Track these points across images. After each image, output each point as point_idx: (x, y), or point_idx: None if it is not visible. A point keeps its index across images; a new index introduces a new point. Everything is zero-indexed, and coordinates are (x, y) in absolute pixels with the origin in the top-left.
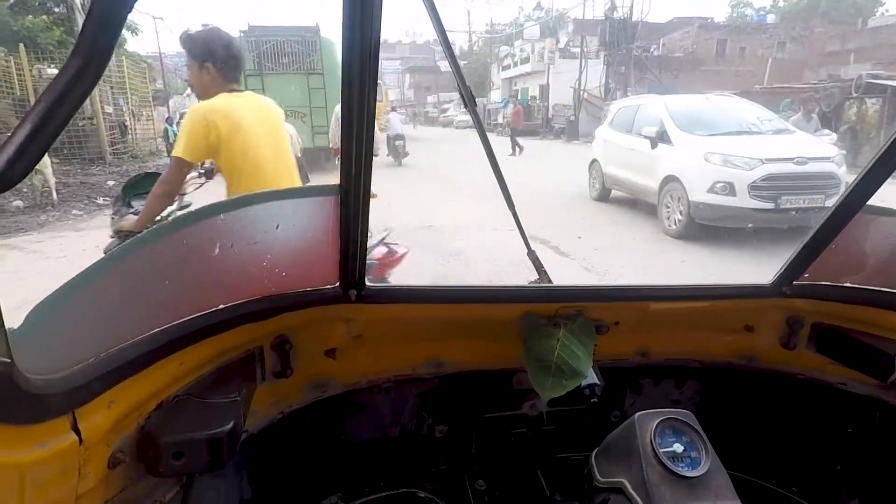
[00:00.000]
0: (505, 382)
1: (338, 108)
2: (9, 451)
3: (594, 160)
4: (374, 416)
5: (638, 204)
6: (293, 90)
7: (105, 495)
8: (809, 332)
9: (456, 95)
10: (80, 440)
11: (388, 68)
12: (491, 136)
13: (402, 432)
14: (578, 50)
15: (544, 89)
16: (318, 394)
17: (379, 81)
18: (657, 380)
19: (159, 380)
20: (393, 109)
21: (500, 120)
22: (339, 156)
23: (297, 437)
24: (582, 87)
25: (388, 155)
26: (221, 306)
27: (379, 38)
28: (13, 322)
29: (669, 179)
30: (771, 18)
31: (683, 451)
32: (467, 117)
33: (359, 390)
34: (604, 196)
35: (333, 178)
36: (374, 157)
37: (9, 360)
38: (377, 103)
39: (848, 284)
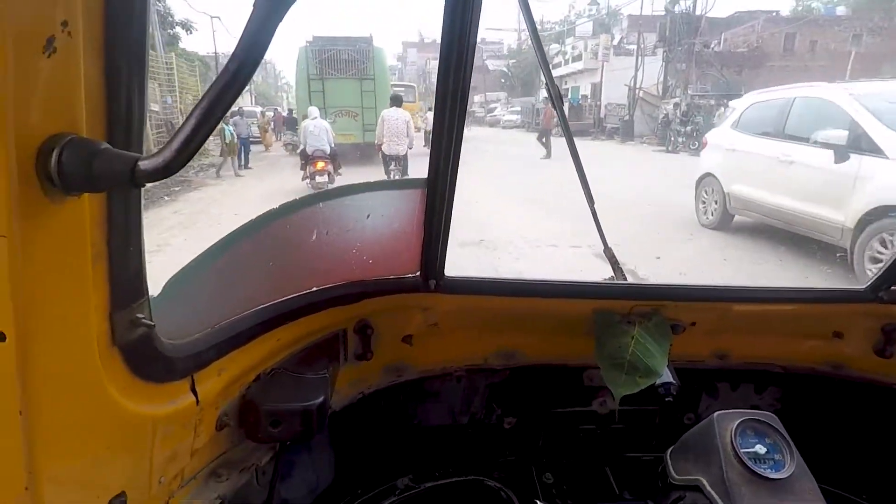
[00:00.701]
0: (575, 378)
1: (384, 111)
2: (146, 404)
3: (706, 174)
4: (446, 402)
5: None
6: (349, 93)
7: (212, 454)
8: None
9: (503, 95)
10: (197, 401)
11: (436, 68)
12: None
13: (472, 421)
14: (634, 47)
15: (596, 88)
16: (394, 378)
17: (412, 84)
18: (735, 384)
19: (259, 353)
20: (429, 109)
21: None
22: (380, 151)
23: (374, 418)
24: (637, 86)
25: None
26: (314, 289)
27: (476, 34)
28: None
29: (881, 213)
30: (841, 11)
31: (766, 452)
32: (514, 116)
33: (432, 377)
34: (724, 223)
35: (360, 173)
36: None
37: (152, 324)
38: (411, 104)
39: None
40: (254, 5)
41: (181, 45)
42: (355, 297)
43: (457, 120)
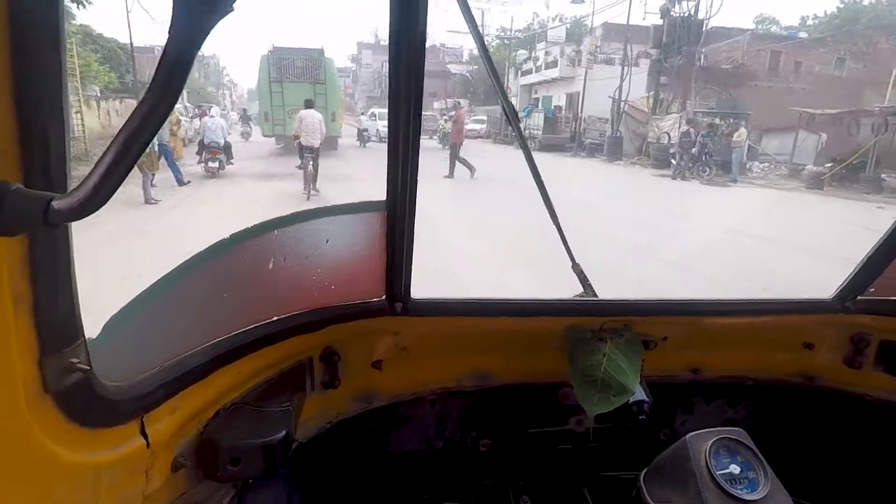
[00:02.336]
0: (550, 397)
1: (301, 111)
2: (86, 451)
3: None
4: (419, 427)
5: None
6: (304, 94)
7: (168, 497)
8: (877, 349)
9: (464, 102)
10: (147, 444)
11: (386, 71)
12: (508, 148)
13: (447, 445)
14: (616, 56)
15: (573, 98)
16: (364, 405)
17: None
18: (709, 398)
19: (217, 388)
20: (361, 113)
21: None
22: (298, 143)
23: (345, 447)
24: (623, 98)
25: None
26: (275, 318)
27: (423, 62)
28: (91, 333)
29: None
30: (802, 35)
31: (740, 472)
32: (479, 126)
33: (404, 402)
34: None
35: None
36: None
37: (88, 368)
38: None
39: None
40: (169, 32)
41: (76, 21)
42: (319, 325)
43: (411, 141)
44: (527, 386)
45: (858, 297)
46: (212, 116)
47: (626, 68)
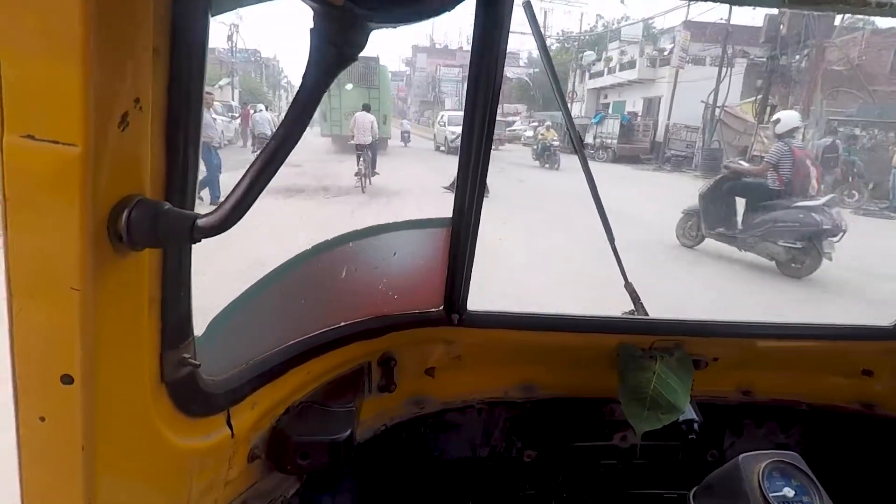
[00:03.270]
0: (596, 412)
1: (356, 114)
2: (188, 437)
3: None
4: (466, 435)
5: None
6: (359, 98)
7: (244, 485)
8: None
9: (522, 107)
10: (232, 434)
11: (447, 75)
12: (575, 159)
13: (492, 454)
14: (703, 54)
15: (652, 104)
16: (416, 410)
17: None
18: (759, 421)
19: (289, 386)
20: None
21: (590, 140)
22: (353, 142)
23: (396, 450)
24: (720, 103)
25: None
26: (342, 323)
27: (500, 88)
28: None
29: None
30: None
31: (794, 495)
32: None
33: (453, 409)
34: None
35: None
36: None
37: (198, 364)
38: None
39: None
40: (304, 76)
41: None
42: (381, 331)
43: (482, 163)
44: (573, 400)
45: None
46: (259, 111)
47: (723, 68)
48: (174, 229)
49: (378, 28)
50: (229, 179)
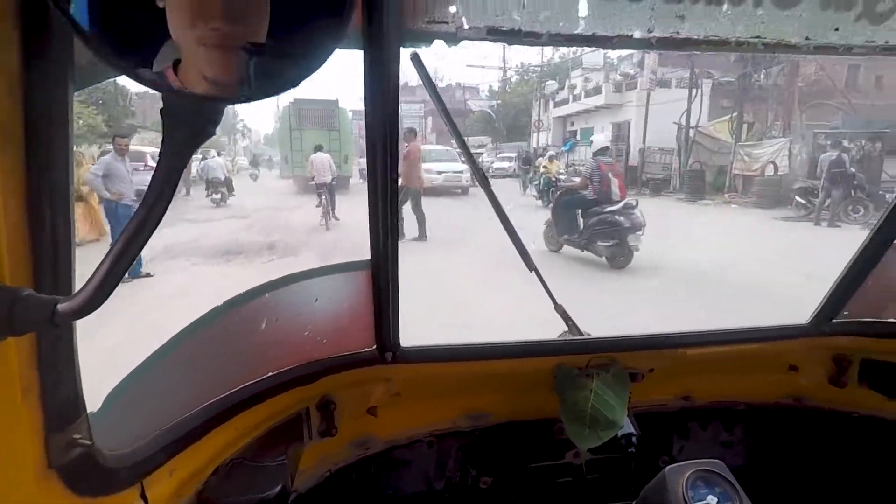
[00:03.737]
0: (546, 432)
1: (312, 155)
2: None
3: None
4: (419, 470)
5: None
6: (320, 140)
7: None
8: (859, 368)
9: (487, 139)
10: None
11: (409, 112)
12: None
13: (448, 485)
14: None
15: (622, 128)
16: (361, 451)
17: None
18: (704, 423)
19: (215, 446)
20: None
21: (562, 169)
22: (313, 182)
23: (345, 494)
24: (693, 124)
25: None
26: (269, 374)
27: (397, 134)
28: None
29: None
30: None
31: (717, 502)
32: (505, 164)
33: (400, 446)
34: None
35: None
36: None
37: (90, 442)
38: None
39: (892, 319)
40: (159, 157)
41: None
42: (314, 377)
43: (389, 201)
44: (522, 423)
45: (833, 321)
46: (213, 157)
47: (693, 90)
48: (33, 316)
49: (231, 104)
50: (178, 233)
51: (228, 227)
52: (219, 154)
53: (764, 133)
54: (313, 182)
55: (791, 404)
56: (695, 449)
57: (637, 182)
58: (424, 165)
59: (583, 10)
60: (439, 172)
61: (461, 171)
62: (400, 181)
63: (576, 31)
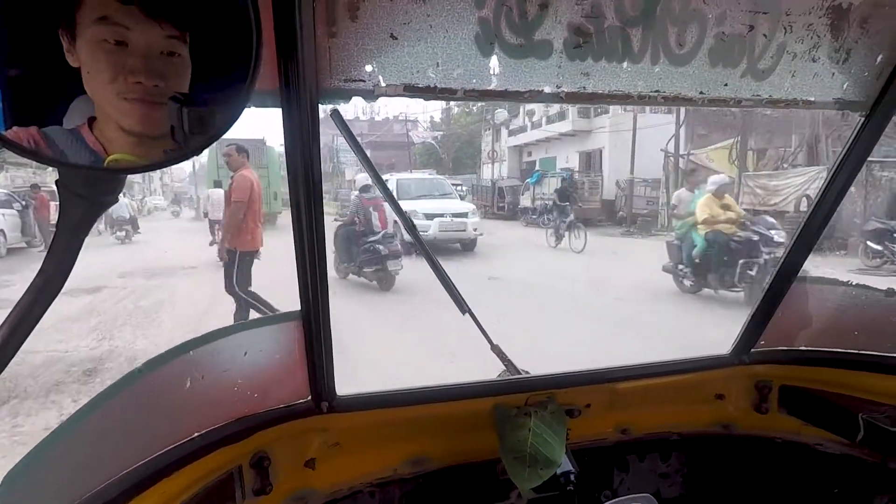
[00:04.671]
0: (489, 473)
1: (208, 190)
2: None
3: None
4: None
5: None
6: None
7: None
8: (778, 395)
9: (432, 173)
10: None
11: (344, 146)
12: (511, 225)
13: None
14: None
15: (592, 158)
16: None
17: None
18: (641, 455)
19: None
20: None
21: (528, 203)
22: (208, 219)
23: None
24: (682, 151)
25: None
26: (195, 435)
27: (321, 182)
28: None
29: None
30: None
31: None
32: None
33: (342, 498)
34: None
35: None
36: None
37: None
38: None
39: (803, 347)
40: (57, 229)
41: None
42: (245, 433)
43: (317, 248)
44: (465, 465)
45: (752, 350)
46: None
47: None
48: None
49: (132, 173)
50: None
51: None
52: (124, 195)
53: (781, 161)
54: (209, 218)
55: (720, 432)
56: (634, 481)
57: (617, 218)
58: (408, 205)
59: (494, 67)
60: (429, 216)
61: (464, 214)
62: (225, 244)
63: (489, 88)
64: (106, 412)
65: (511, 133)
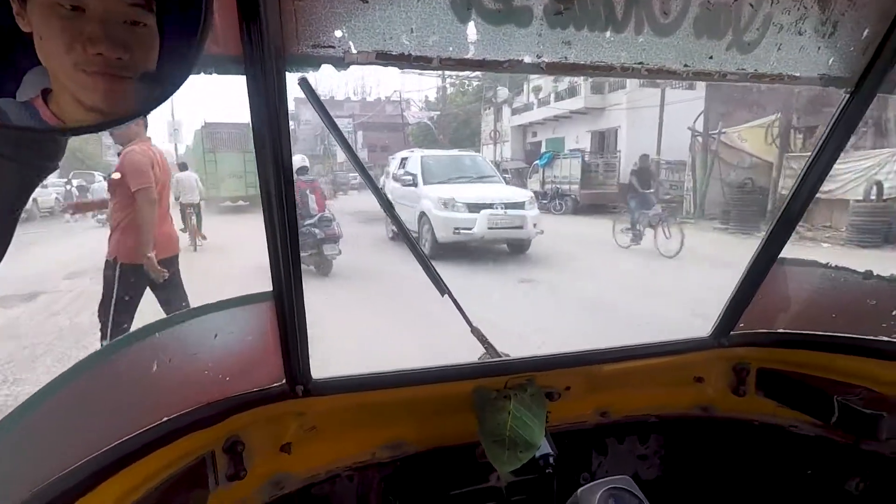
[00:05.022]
0: (468, 456)
1: (177, 174)
2: None
3: None
4: None
5: None
6: (235, 162)
7: None
8: (756, 377)
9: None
10: None
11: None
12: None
13: None
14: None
15: (606, 138)
16: (276, 491)
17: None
18: (620, 438)
19: (105, 502)
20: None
21: (537, 188)
22: (179, 203)
23: None
24: (714, 129)
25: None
26: (164, 419)
27: (290, 156)
28: None
29: None
30: None
31: None
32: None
33: (319, 482)
34: None
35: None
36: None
37: None
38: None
39: (781, 330)
40: None
41: None
42: (217, 417)
43: (288, 227)
44: (444, 449)
45: (732, 333)
46: (98, 182)
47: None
48: None
49: (73, 135)
50: None
51: None
52: (104, 178)
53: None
54: (180, 201)
55: (698, 414)
56: (613, 464)
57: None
58: (423, 191)
59: (472, 35)
60: (472, 208)
61: (520, 205)
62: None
63: (466, 56)
64: (67, 395)
65: (515, 111)
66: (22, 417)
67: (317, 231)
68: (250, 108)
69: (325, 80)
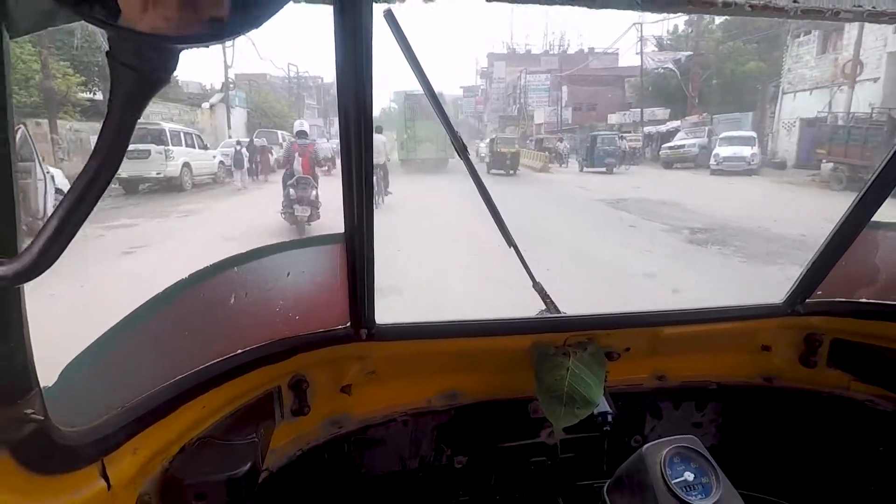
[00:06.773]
0: (521, 411)
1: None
2: (48, 499)
3: None
4: (393, 449)
5: None
6: (431, 129)
7: None
8: (829, 349)
9: (665, 113)
10: (109, 486)
11: (533, 83)
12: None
13: (422, 464)
14: None
15: None
16: (334, 430)
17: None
18: (676, 403)
19: (182, 424)
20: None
21: None
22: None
23: (317, 473)
24: None
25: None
26: (239, 351)
27: (371, 98)
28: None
29: None
30: None
31: (694, 478)
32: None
33: (375, 424)
34: None
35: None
36: None
37: (42, 418)
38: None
39: (864, 300)
40: (108, 106)
41: None
42: (286, 354)
43: (364, 173)
44: (497, 402)
45: (807, 301)
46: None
47: None
48: None
49: (185, 49)
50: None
51: None
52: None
53: None
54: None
55: (761, 384)
56: (667, 429)
57: None
58: None
59: None
60: None
61: None
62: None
63: None
64: (157, 318)
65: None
66: (121, 333)
67: (291, 191)
68: (335, 39)
69: (520, 30)
